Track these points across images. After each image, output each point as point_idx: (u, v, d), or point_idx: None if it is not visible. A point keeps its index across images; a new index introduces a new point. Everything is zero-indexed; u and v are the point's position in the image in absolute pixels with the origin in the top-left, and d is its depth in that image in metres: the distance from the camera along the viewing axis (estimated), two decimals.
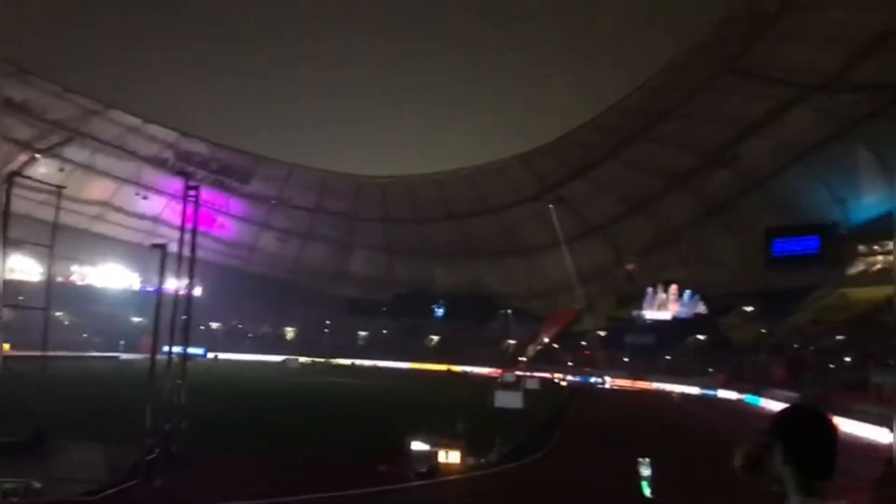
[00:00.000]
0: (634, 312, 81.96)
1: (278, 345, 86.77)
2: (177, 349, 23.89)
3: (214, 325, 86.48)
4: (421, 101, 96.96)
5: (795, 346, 58.35)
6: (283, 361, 72.16)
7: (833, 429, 2.31)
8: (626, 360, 75.21)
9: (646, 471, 20.79)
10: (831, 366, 49.94)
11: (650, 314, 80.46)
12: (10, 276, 31.70)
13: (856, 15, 49.52)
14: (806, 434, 2.27)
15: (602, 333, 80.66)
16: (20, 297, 31.78)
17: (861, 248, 63.95)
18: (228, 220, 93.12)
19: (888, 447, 28.04)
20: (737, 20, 54.04)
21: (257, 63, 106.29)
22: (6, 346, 34.19)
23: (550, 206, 79.79)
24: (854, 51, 53.05)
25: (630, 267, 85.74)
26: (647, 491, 10.18)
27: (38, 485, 15.66)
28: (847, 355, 49.59)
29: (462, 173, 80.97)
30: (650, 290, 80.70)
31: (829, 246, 65.53)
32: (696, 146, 68.15)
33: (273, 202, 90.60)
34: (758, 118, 62.34)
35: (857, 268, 64.21)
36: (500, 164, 78.59)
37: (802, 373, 50.98)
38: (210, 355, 73.69)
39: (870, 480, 10.30)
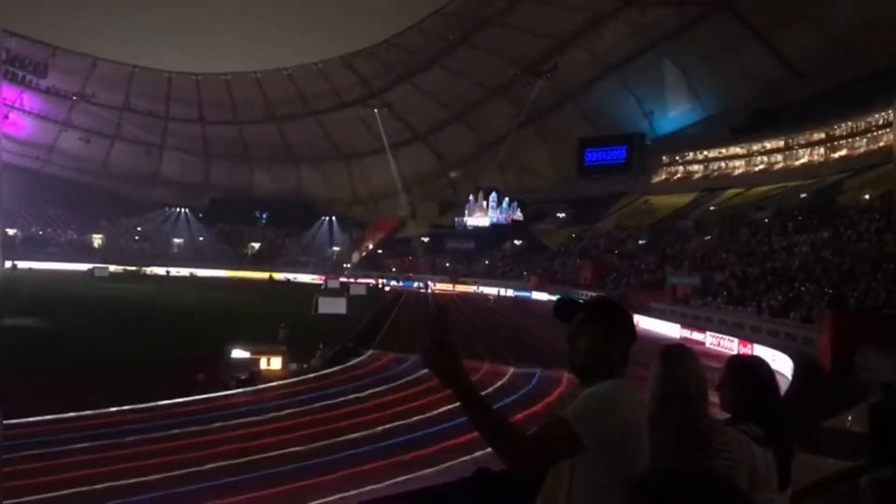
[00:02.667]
0: (456, 219, 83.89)
1: (85, 253, 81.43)
2: None
3: (11, 231, 79.65)
4: None
5: (602, 249, 62.31)
6: (91, 270, 67.94)
7: (631, 319, 2.47)
8: (447, 265, 77.33)
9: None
10: (633, 268, 53.85)
11: (471, 221, 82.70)
12: None
13: None
14: (616, 320, 2.41)
15: (425, 240, 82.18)
16: None
17: (664, 158, 68.63)
18: (23, 116, 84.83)
19: (677, 340, 30.91)
20: None
21: None
22: None
23: (375, 110, 78.98)
24: None
25: (453, 175, 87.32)
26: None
27: None
28: (647, 258, 53.59)
29: (283, 73, 78.01)
30: (471, 197, 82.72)
31: (636, 156, 69.77)
32: (516, 55, 69.39)
33: (74, 98, 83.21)
34: (575, 29, 64.18)
35: (660, 177, 68.99)
36: (322, 66, 76.33)
37: (607, 274, 54.69)
38: (7, 264, 68.17)
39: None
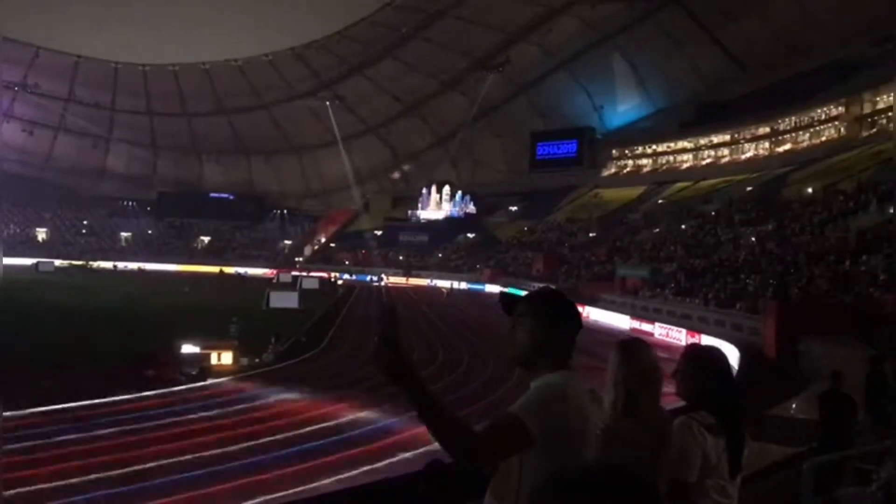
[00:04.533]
0: (409, 212, 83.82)
1: (29, 247, 79.26)
2: None
3: None
4: None
5: (553, 242, 62.87)
6: (36, 265, 66.22)
7: (577, 310, 2.49)
8: (400, 258, 77.23)
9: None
10: (584, 260, 54.43)
11: (424, 214, 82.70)
12: None
13: None
14: (558, 311, 2.42)
15: (378, 233, 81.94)
16: None
17: (614, 152, 69.50)
18: None
19: (626, 332, 31.38)
20: None
21: None
22: None
23: (328, 102, 78.33)
24: None
25: (405, 168, 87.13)
26: None
27: None
28: (597, 250, 54.22)
29: (233, 64, 76.87)
30: (424, 190, 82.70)
31: (586, 150, 70.53)
32: (469, 49, 69.47)
33: (16, 89, 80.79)
34: (526, 23, 64.52)
35: (610, 170, 69.84)
36: (273, 57, 75.43)
37: (559, 267, 55.21)
38: None
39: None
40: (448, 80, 74.88)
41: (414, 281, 69.79)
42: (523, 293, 2.68)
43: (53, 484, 10.88)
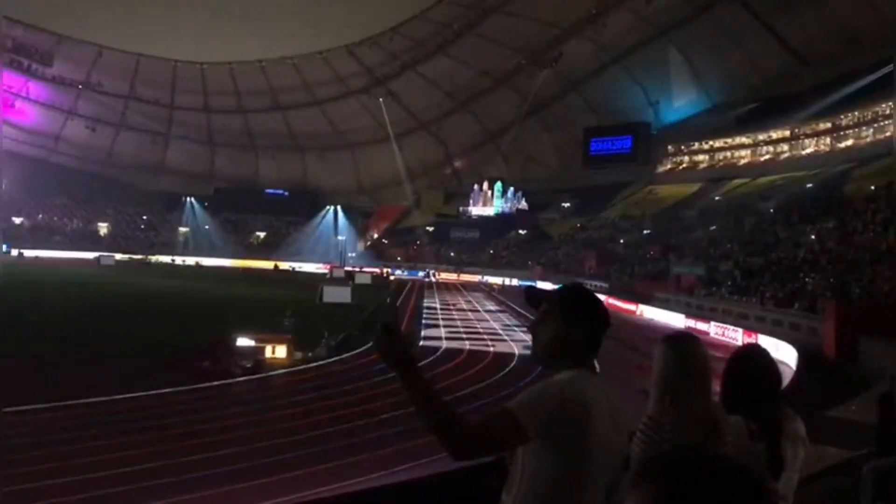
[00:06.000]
0: (460, 208, 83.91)
1: (91, 241, 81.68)
2: None
3: (17, 220, 79.91)
4: None
5: (606, 239, 62.30)
6: (97, 259, 68.21)
7: (603, 307, 2.45)
8: (451, 254, 77.40)
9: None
10: (638, 257, 53.83)
11: (475, 210, 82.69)
12: None
13: None
14: (578, 308, 2.40)
15: (429, 229, 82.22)
16: None
17: (669, 147, 68.49)
18: (29, 105, 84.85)
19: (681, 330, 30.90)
20: None
21: None
22: None
23: (380, 99, 78.83)
24: None
25: (457, 164, 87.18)
26: None
27: None
28: (652, 248, 53.55)
29: (288, 62, 77.90)
30: (475, 186, 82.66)
31: (641, 145, 69.66)
32: (521, 45, 69.13)
33: (80, 87, 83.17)
34: (580, 18, 63.90)
35: (665, 167, 68.87)
36: (327, 55, 76.20)
37: (612, 264, 54.70)
38: (14, 252, 68.41)
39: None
40: (500, 76, 74.65)
41: (465, 277, 69.87)
42: (550, 288, 2.67)
43: (136, 467, 11.22)
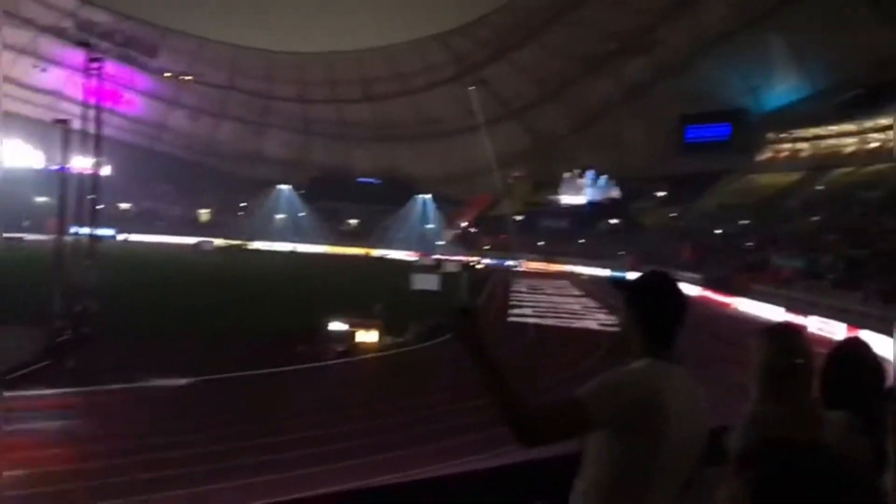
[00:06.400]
0: (550, 197, 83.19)
1: (191, 227, 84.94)
2: (85, 230, 23.16)
3: (124, 206, 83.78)
4: None
5: (702, 229, 60.68)
6: (198, 244, 70.95)
7: (680, 296, 2.40)
8: (541, 243, 76.89)
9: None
10: (735, 248, 52.26)
11: (565, 199, 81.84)
12: None
13: None
14: (653, 296, 2.37)
15: (518, 218, 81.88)
16: None
17: (770, 135, 66.05)
18: (136, 96, 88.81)
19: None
20: None
21: None
22: None
23: (471, 87, 78.88)
24: None
25: (547, 153, 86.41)
26: None
27: None
28: (750, 239, 51.90)
29: (380, 52, 78.88)
30: (566, 175, 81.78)
31: (740, 133, 67.41)
32: (615, 31, 67.91)
33: (182, 78, 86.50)
34: (675, 3, 62.29)
35: (765, 154, 66.48)
36: (418, 44, 76.76)
37: (708, 255, 53.28)
38: (120, 237, 71.77)
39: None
40: (592, 62, 73.54)
41: (554, 266, 69.37)
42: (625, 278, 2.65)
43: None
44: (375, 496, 3.44)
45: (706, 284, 44.03)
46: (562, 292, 44.87)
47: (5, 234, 61.54)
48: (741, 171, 67.00)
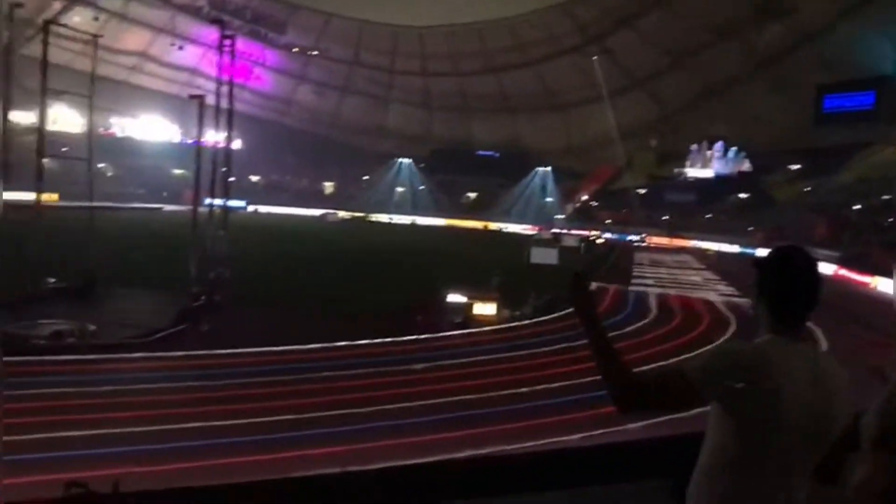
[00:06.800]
0: (676, 170, 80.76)
1: (317, 199, 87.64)
2: (218, 201, 24.33)
3: (254, 178, 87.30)
4: None
5: (839, 204, 57.39)
6: (323, 215, 73.24)
7: (814, 272, 2.24)
8: (665, 217, 74.82)
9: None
10: (876, 225, 49.20)
11: (692, 172, 79.25)
12: (51, 127, 32.14)
13: None
14: (779, 271, 2.23)
15: (642, 191, 79.92)
16: (64, 149, 32.27)
17: None
18: (265, 72, 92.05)
19: None
20: None
21: None
22: (54, 197, 35.07)
23: (594, 57, 77.20)
24: None
25: (673, 124, 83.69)
26: None
27: (92, 327, 16.48)
28: (892, 215, 48.70)
29: (503, 23, 78.36)
30: (693, 147, 79.06)
31: (885, 102, 62.93)
32: None
33: (309, 53, 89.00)
34: None
35: None
36: (542, 13, 75.72)
37: (844, 231, 50.38)
38: (250, 208, 74.88)
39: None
40: (722, 29, 70.32)
41: (678, 242, 67.44)
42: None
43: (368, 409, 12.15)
44: (499, 466, 3.53)
45: (843, 262, 41.69)
46: (684, 265, 44.04)
47: (142, 205, 65.33)
48: (885, 142, 62.65)
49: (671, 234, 69.73)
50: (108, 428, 10.81)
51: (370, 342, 17.52)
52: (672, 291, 31.31)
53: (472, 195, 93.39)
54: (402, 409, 12.64)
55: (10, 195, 19.09)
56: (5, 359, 13.76)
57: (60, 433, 10.30)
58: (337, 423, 11.62)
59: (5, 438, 9.77)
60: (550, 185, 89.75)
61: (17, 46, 25.99)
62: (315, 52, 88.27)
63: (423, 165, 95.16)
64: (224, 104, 23.48)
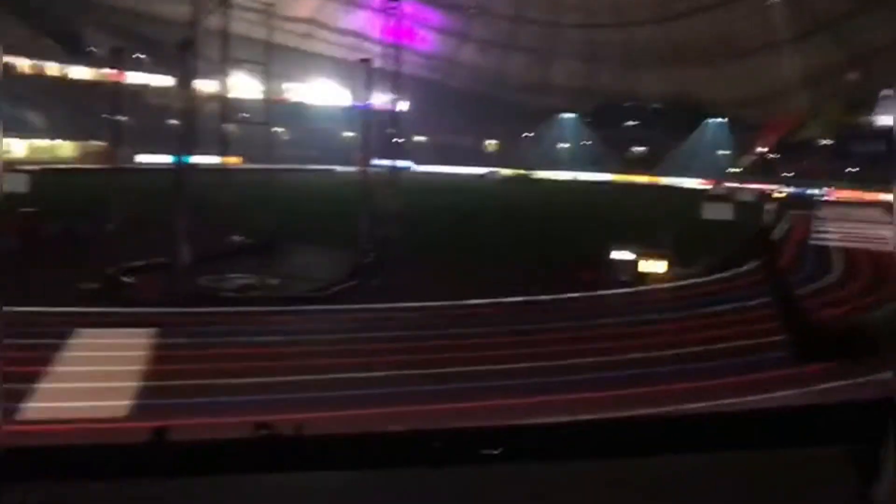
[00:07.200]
0: (865, 118, 74.59)
1: (480, 158, 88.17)
2: (385, 162, 25.05)
3: (419, 138, 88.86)
4: None
5: None
6: (485, 174, 73.63)
7: None
8: (853, 170, 69.37)
9: None
10: None
11: (883, 120, 72.99)
12: (231, 94, 34.12)
13: None
14: None
15: (827, 142, 74.45)
16: (242, 114, 34.25)
17: None
18: (428, 32, 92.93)
19: None
20: None
21: None
22: (237, 160, 37.43)
23: (773, 0, 72.13)
24: None
25: (851, 78, 77.08)
26: None
27: (274, 281, 17.57)
28: None
29: None
30: (884, 92, 72.62)
31: None
32: None
33: (472, 11, 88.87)
34: None
35: None
36: None
37: None
38: (416, 168, 76.47)
39: None
40: None
41: (868, 195, 62.43)
42: None
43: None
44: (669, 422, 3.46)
45: None
46: (872, 219, 41.08)
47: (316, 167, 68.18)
48: None
49: (861, 189, 64.70)
50: (291, 375, 11.46)
51: (542, 298, 17.54)
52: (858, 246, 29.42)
53: (640, 149, 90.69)
54: (601, 363, 12.61)
55: (197, 159, 20.53)
56: (199, 309, 14.95)
57: (248, 379, 11.02)
58: (524, 375, 11.74)
59: (197, 382, 10.64)
60: (724, 138, 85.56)
61: (200, 20, 27.62)
62: (474, 10, 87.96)
63: (588, 120, 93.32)
64: (390, 66, 23.98)
